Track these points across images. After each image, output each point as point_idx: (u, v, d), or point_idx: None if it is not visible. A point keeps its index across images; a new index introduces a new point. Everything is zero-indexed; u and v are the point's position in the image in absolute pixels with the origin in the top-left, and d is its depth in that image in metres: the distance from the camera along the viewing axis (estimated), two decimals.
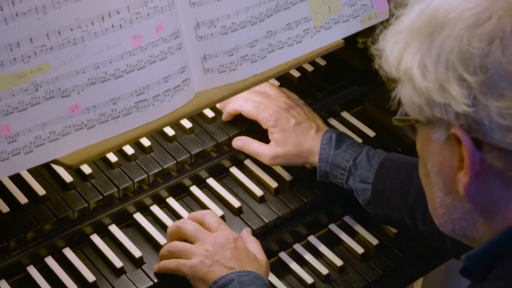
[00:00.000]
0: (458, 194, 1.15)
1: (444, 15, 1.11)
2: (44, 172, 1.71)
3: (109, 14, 1.44)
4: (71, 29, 1.41)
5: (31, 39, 1.38)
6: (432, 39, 1.11)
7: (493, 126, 1.07)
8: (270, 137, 1.77)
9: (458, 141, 1.10)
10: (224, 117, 1.82)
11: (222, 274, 1.54)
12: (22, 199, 1.64)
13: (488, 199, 1.13)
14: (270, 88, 1.83)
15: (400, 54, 1.14)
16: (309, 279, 1.69)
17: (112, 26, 1.45)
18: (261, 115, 1.77)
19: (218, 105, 1.84)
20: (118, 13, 1.44)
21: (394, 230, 1.79)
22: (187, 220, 1.66)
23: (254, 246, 1.64)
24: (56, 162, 1.45)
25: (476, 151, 1.09)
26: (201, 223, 1.65)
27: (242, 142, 1.78)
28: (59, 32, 1.40)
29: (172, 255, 1.61)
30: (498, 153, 1.09)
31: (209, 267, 1.56)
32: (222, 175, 1.82)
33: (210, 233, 1.62)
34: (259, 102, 1.78)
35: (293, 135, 1.75)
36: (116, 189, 1.69)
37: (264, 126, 1.77)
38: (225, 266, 1.56)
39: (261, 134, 1.80)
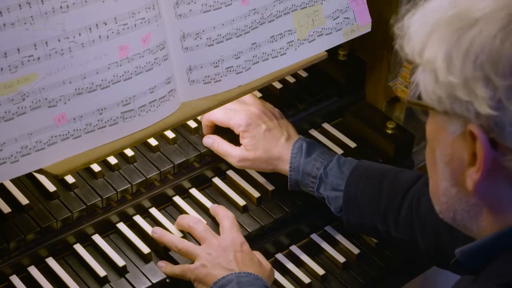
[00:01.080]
0: (465, 188, 1.13)
1: (477, 11, 1.06)
2: (27, 181, 1.70)
3: (97, 25, 1.45)
4: (59, 40, 1.42)
5: (18, 49, 1.38)
6: (462, 33, 1.06)
7: None
8: (241, 142, 1.78)
9: (473, 138, 1.08)
10: (204, 130, 1.83)
11: (221, 275, 1.56)
12: (5, 208, 1.63)
13: (494, 198, 1.12)
14: (247, 96, 1.83)
15: (425, 40, 1.10)
16: None
17: (99, 37, 1.46)
18: (233, 121, 1.77)
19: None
20: (106, 24, 1.45)
21: (375, 240, 1.81)
22: (199, 220, 1.69)
23: (258, 253, 1.67)
24: (42, 171, 1.45)
25: (492, 150, 1.07)
26: (215, 216, 1.68)
27: (212, 141, 1.79)
28: (46, 43, 1.40)
29: (178, 252, 1.64)
30: None
31: (209, 269, 1.58)
32: (204, 185, 1.83)
33: (217, 236, 1.65)
34: (231, 109, 1.79)
35: (263, 141, 1.75)
36: (99, 199, 1.69)
37: (236, 132, 1.78)
38: (225, 268, 1.58)
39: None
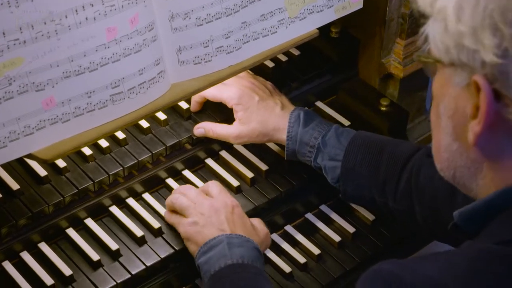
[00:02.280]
0: (466, 142, 1.12)
1: None
2: (17, 166, 1.69)
3: (83, 7, 1.42)
4: (45, 23, 1.39)
5: (3, 33, 1.36)
6: None
7: None
8: (234, 116, 1.77)
9: (477, 89, 1.08)
10: (192, 107, 1.82)
11: (212, 235, 1.57)
12: None
13: (495, 153, 1.11)
14: None
15: None
16: (287, 268, 1.69)
17: (86, 19, 1.43)
18: (225, 95, 1.76)
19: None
20: (92, 5, 1.43)
21: (371, 218, 1.80)
22: (191, 186, 1.70)
23: (257, 220, 1.68)
24: (31, 156, 1.44)
25: (494, 102, 1.07)
26: (206, 193, 1.68)
27: (204, 129, 1.77)
28: (32, 26, 1.38)
29: (173, 206, 1.65)
30: None
31: (200, 227, 1.59)
32: (197, 166, 1.81)
33: (210, 198, 1.65)
34: (222, 84, 1.77)
35: (257, 112, 1.74)
36: (91, 183, 1.68)
37: (229, 105, 1.77)
38: (216, 228, 1.59)
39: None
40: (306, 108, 1.79)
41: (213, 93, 1.77)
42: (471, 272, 1.05)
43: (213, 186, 1.68)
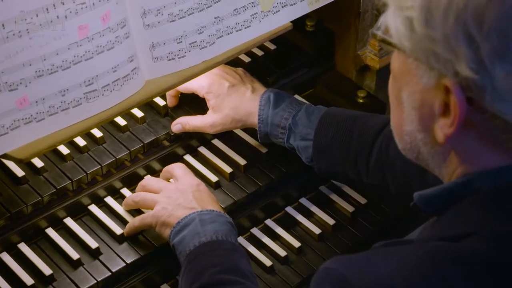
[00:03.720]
0: (433, 136, 1.07)
1: None
2: None
3: (54, 5, 1.42)
4: (15, 22, 1.39)
5: None
6: None
7: (494, 96, 0.98)
8: (208, 105, 1.77)
9: (447, 91, 1.02)
10: (169, 102, 1.82)
11: (184, 215, 1.57)
12: None
13: (461, 151, 1.08)
14: None
15: None
16: (267, 262, 1.70)
17: (57, 17, 1.43)
18: (195, 85, 1.76)
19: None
20: (63, 4, 1.43)
21: (350, 210, 1.80)
22: (149, 177, 1.71)
23: None
24: (6, 156, 1.44)
25: (468, 108, 1.01)
26: (170, 175, 1.69)
27: (181, 124, 1.77)
28: (3, 25, 1.38)
29: (136, 204, 1.65)
30: (490, 116, 1.01)
31: (170, 211, 1.59)
32: (176, 162, 1.81)
33: (173, 182, 1.66)
34: None
35: (228, 98, 1.74)
36: (69, 182, 1.68)
37: (200, 94, 1.77)
38: (186, 208, 1.59)
39: None
40: (277, 89, 1.79)
41: (184, 84, 1.77)
42: (420, 272, 1.02)
43: (177, 169, 1.69)
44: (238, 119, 1.75)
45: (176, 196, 1.62)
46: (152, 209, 1.63)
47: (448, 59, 0.99)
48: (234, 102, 1.74)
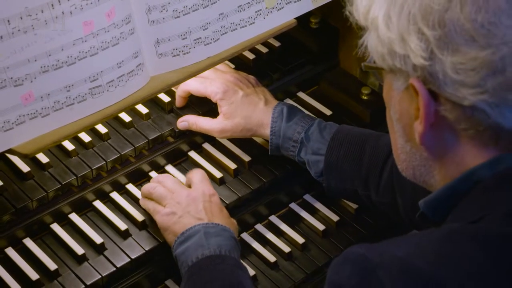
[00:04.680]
0: (415, 142, 1.18)
1: None
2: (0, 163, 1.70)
3: (59, 1, 1.43)
4: (21, 18, 1.40)
5: None
6: None
7: (446, 80, 1.10)
8: (219, 111, 1.77)
9: (416, 92, 1.14)
10: (177, 102, 1.82)
11: (190, 225, 1.58)
12: None
13: (442, 149, 1.17)
14: (221, 65, 1.82)
15: (369, 3, 1.18)
16: (271, 258, 1.70)
17: (63, 13, 1.44)
18: (209, 89, 1.77)
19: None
20: (68, 0, 1.44)
21: (354, 206, 1.81)
22: (167, 175, 1.71)
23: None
24: (11, 151, 1.44)
25: (431, 102, 1.13)
26: (188, 179, 1.70)
27: (188, 123, 1.78)
28: (8, 21, 1.39)
29: (150, 196, 1.66)
30: (451, 106, 1.12)
31: (178, 218, 1.60)
32: (180, 159, 1.82)
33: (187, 188, 1.67)
34: (206, 78, 1.78)
35: (241, 107, 1.75)
36: (74, 177, 1.68)
37: (213, 100, 1.78)
38: (194, 217, 1.60)
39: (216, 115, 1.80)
40: (289, 103, 1.80)
41: (197, 87, 1.78)
42: (440, 251, 1.07)
43: (196, 175, 1.70)
44: (249, 128, 1.75)
45: (186, 203, 1.62)
46: (162, 205, 1.64)
47: (406, 54, 1.13)
48: (246, 111, 1.75)
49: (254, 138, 1.85)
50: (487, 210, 1.11)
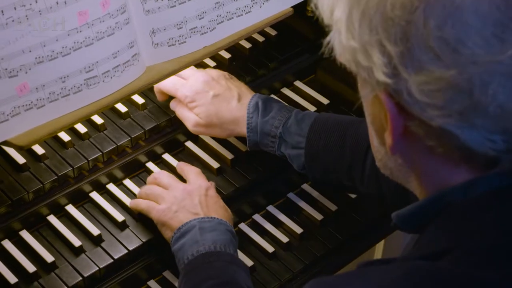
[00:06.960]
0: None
1: None
2: None
3: None
4: (15, 8, 1.38)
5: None
6: None
7: (412, 100, 0.98)
8: (193, 112, 1.73)
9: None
10: (158, 98, 1.79)
11: (186, 220, 1.56)
12: None
13: (414, 162, 1.08)
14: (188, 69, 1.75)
15: (333, 2, 1.04)
16: (270, 248, 1.70)
17: (57, 3, 1.42)
18: (179, 93, 1.73)
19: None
20: None
21: (353, 195, 1.80)
22: (163, 171, 1.70)
23: None
24: (6, 143, 1.43)
25: (399, 117, 1.02)
26: (184, 177, 1.69)
27: (176, 104, 1.76)
28: (2, 12, 1.37)
29: (147, 197, 1.64)
30: (419, 123, 1.01)
31: (174, 212, 1.59)
32: (177, 149, 1.81)
33: (183, 183, 1.66)
34: (178, 78, 1.75)
35: (212, 107, 1.70)
36: (70, 169, 1.67)
37: (184, 103, 1.74)
38: (190, 212, 1.58)
39: None
40: (264, 95, 1.74)
41: (169, 89, 1.74)
42: None
43: (191, 172, 1.68)
44: (224, 127, 1.71)
45: (182, 196, 1.61)
46: (159, 203, 1.62)
47: (369, 67, 1.00)
48: (218, 110, 1.70)
49: None
50: (454, 242, 1.02)
